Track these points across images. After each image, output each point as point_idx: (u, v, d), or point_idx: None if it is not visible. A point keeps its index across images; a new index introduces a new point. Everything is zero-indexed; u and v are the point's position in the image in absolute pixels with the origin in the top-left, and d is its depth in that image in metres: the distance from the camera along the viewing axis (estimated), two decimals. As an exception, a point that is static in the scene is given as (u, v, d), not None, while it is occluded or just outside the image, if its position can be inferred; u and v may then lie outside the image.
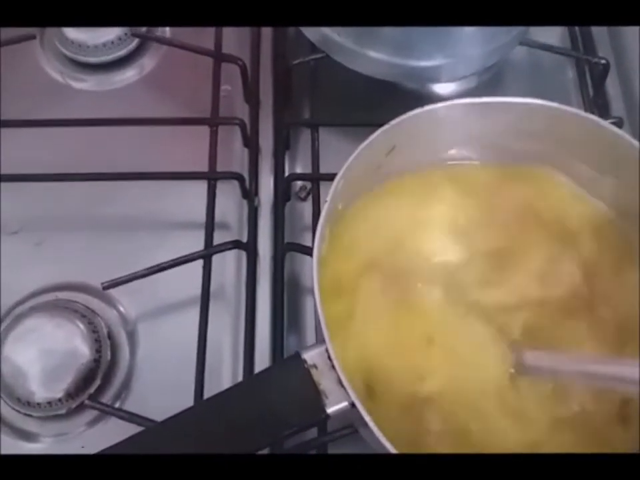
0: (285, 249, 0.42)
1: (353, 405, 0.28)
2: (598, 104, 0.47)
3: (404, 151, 0.35)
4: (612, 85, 0.48)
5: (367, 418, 0.27)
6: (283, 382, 0.29)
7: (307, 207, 0.45)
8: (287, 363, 0.30)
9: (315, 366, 0.29)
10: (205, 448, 0.28)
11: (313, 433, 0.36)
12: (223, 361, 0.40)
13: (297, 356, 0.29)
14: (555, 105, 0.34)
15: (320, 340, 0.29)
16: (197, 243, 0.41)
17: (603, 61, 0.47)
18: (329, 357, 0.28)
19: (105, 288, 0.39)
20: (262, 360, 0.39)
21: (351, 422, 0.34)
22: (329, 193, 0.31)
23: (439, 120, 0.34)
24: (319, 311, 0.29)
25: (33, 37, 0.50)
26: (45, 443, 0.38)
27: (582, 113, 0.35)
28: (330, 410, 0.28)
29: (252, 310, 0.40)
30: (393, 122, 0.33)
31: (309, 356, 0.29)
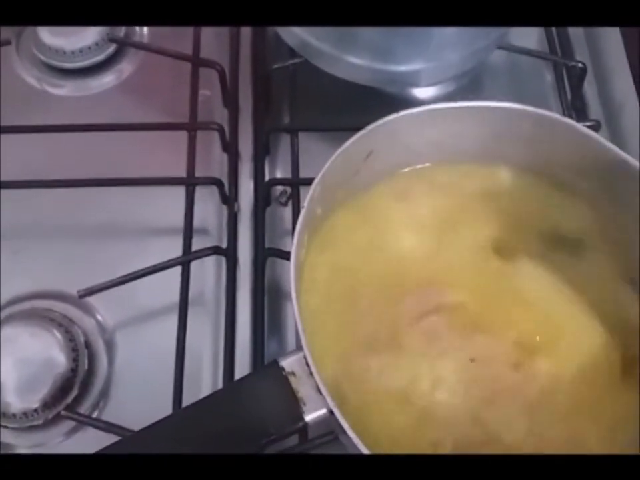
0: (265, 254, 0.42)
1: (331, 412, 0.27)
2: (576, 107, 0.48)
3: (382, 156, 0.35)
4: (589, 88, 0.49)
5: (345, 425, 0.27)
6: (261, 390, 0.29)
7: (287, 212, 0.44)
8: (265, 370, 0.30)
9: (293, 373, 0.29)
10: (181, 458, 0.27)
11: (293, 440, 0.35)
12: (203, 368, 0.40)
13: (275, 363, 0.29)
14: (532, 109, 0.34)
15: (298, 347, 0.29)
16: (175, 249, 0.41)
17: (580, 65, 0.47)
18: (307, 364, 0.28)
19: (81, 296, 0.38)
20: (242, 367, 0.39)
21: (331, 429, 0.34)
22: (306, 199, 0.31)
23: (416, 125, 0.34)
24: (297, 317, 0.29)
25: (9, 43, 0.49)
26: (22, 454, 0.38)
27: (560, 117, 0.35)
28: (308, 417, 0.28)
29: (232, 316, 0.40)
30: (369, 127, 0.33)
31: (287, 363, 0.29)
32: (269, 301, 0.41)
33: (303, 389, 0.28)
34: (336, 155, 0.32)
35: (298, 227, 0.31)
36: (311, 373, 0.28)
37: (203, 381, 0.39)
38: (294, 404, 0.28)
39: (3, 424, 0.37)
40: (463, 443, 0.31)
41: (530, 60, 0.49)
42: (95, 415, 0.38)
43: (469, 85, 0.49)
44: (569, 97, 0.48)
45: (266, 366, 0.30)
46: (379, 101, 0.46)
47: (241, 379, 0.31)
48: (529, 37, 0.51)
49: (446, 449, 0.31)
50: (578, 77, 0.47)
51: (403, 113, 0.33)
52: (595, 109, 0.48)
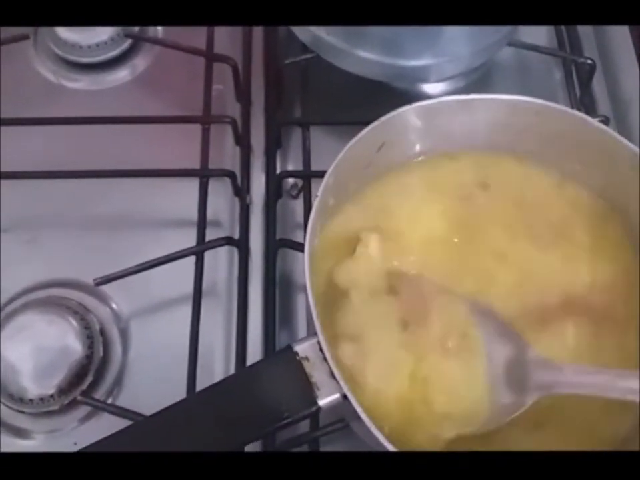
0: (277, 245, 0.42)
1: (344, 396, 0.28)
2: (585, 103, 0.48)
3: (394, 147, 0.35)
4: (598, 85, 0.49)
5: (359, 409, 0.27)
6: (275, 374, 0.29)
7: (298, 205, 0.45)
8: (279, 355, 0.30)
9: (306, 358, 0.29)
10: (195, 440, 0.28)
11: (305, 427, 0.36)
12: (215, 357, 0.40)
13: (289, 348, 0.29)
14: (541, 101, 0.35)
15: (312, 332, 0.30)
16: (189, 240, 0.42)
17: (589, 61, 0.47)
18: (321, 349, 0.29)
19: (97, 284, 0.39)
20: (254, 356, 0.39)
21: (342, 415, 0.34)
22: (319, 188, 0.32)
23: (428, 117, 0.35)
24: (311, 303, 0.29)
25: (27, 37, 0.50)
26: (38, 439, 0.38)
27: (568, 109, 0.35)
28: (321, 402, 0.28)
29: (244, 306, 0.41)
30: (382, 118, 0.33)
31: (301, 348, 0.29)
32: (280, 292, 0.42)
33: (316, 373, 0.29)
34: (350, 145, 0.32)
35: (312, 215, 0.31)
36: (324, 358, 0.28)
37: (216, 370, 0.40)
38: (308, 388, 0.28)
39: (19, 409, 0.38)
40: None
41: (539, 56, 0.49)
42: (109, 401, 0.39)
43: (478, 81, 0.50)
44: (578, 93, 0.48)
45: (279, 351, 0.30)
46: (389, 96, 0.46)
47: (255, 364, 0.31)
48: (538, 33, 0.51)
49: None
50: (587, 73, 0.48)
51: (415, 104, 0.34)
52: (603, 105, 0.48)
